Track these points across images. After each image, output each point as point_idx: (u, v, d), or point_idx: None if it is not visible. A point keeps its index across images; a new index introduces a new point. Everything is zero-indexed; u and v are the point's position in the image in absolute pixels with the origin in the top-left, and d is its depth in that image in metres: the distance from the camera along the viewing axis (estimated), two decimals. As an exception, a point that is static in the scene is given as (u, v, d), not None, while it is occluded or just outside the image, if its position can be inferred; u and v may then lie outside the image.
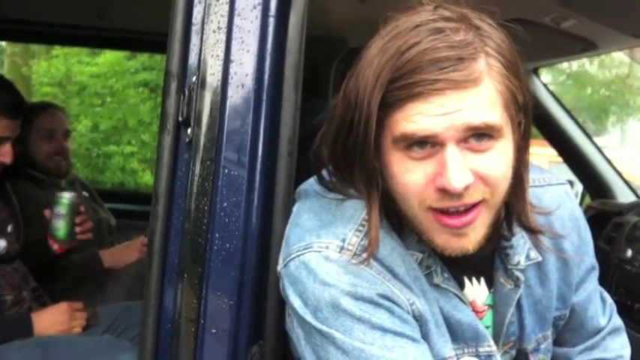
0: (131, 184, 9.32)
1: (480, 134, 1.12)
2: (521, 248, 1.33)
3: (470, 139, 1.12)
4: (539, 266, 1.37)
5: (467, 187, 1.13)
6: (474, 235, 1.18)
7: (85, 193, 3.29)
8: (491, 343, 1.32)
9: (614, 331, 1.56)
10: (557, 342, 1.50)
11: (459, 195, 1.13)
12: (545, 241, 1.35)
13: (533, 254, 1.36)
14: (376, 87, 1.11)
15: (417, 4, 1.17)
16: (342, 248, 1.22)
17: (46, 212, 2.50)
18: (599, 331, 1.53)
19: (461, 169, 1.12)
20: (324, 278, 1.19)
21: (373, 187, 1.20)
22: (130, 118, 9.80)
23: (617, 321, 1.58)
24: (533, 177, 1.37)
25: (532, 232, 1.28)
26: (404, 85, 1.10)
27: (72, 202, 2.45)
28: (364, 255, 1.21)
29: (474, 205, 1.16)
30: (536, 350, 1.42)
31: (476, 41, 1.12)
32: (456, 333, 1.29)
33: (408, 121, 1.12)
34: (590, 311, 1.50)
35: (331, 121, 1.21)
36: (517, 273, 1.33)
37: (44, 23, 3.66)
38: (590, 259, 1.47)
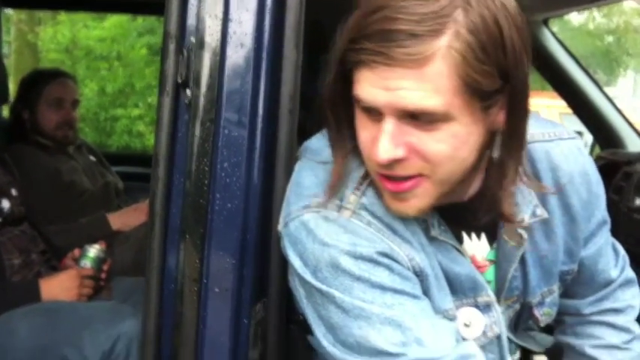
0: (138, 146, 9.33)
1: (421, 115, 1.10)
2: (526, 206, 1.32)
3: (413, 115, 1.10)
4: (546, 222, 1.36)
5: (398, 161, 1.12)
6: (415, 201, 1.18)
7: (92, 158, 3.30)
8: (490, 293, 1.33)
9: (626, 282, 1.56)
10: (567, 294, 1.50)
11: (389, 165, 1.13)
12: (551, 196, 1.35)
13: (539, 211, 1.34)
14: (342, 44, 1.11)
15: None
16: (340, 207, 1.22)
17: (76, 251, 2.49)
18: (610, 282, 1.53)
19: (390, 142, 1.11)
20: (323, 238, 1.19)
21: (341, 139, 1.23)
22: (137, 80, 9.79)
23: (630, 273, 1.57)
24: (543, 131, 1.38)
25: (506, 220, 1.28)
26: (357, 48, 1.09)
27: (98, 256, 2.43)
28: (362, 213, 1.21)
29: (412, 177, 1.15)
30: (540, 304, 1.42)
31: (452, 14, 1.05)
32: (455, 285, 1.29)
33: (358, 85, 1.12)
34: (600, 264, 1.49)
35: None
36: (520, 231, 1.32)
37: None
38: (601, 212, 1.45)
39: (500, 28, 1.08)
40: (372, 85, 1.10)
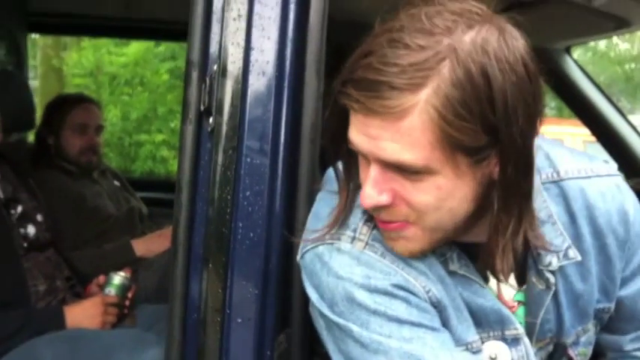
0: (162, 172, 9.39)
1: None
2: (555, 248, 1.27)
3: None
4: (581, 262, 1.31)
5: (384, 206, 1.11)
6: (404, 242, 1.16)
7: (116, 183, 3.32)
8: (518, 326, 1.29)
9: None
10: (608, 329, 1.44)
11: (376, 209, 1.12)
12: (586, 236, 1.30)
13: (572, 253, 1.28)
14: (337, 84, 1.10)
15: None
16: (353, 239, 1.20)
17: (101, 278, 2.50)
18: None
19: (374, 188, 1.10)
20: (337, 271, 1.18)
21: (346, 175, 1.22)
22: (160, 106, 9.87)
23: None
24: (579, 167, 1.32)
25: (497, 279, 1.26)
26: (345, 92, 1.07)
27: (123, 284, 2.43)
28: (376, 245, 1.20)
29: (397, 222, 1.14)
30: (575, 344, 1.37)
31: (436, 67, 1.01)
32: (480, 318, 1.26)
33: (350, 128, 1.11)
34: None
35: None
36: (548, 274, 1.28)
37: (73, 15, 3.69)
38: None
39: (490, 82, 1.01)
40: (357, 131, 1.09)
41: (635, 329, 1.46)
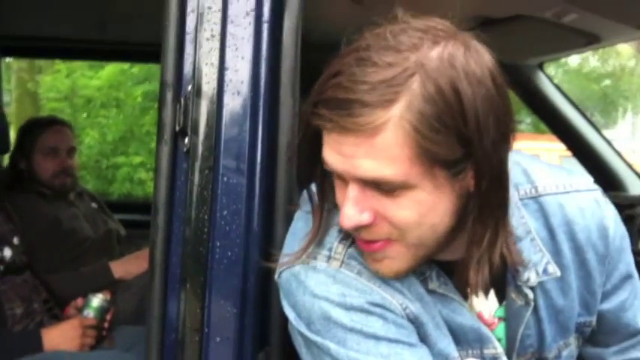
0: (139, 194, 9.34)
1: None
2: (533, 264, 1.28)
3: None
4: (561, 277, 1.31)
5: (365, 226, 1.11)
6: (388, 262, 1.16)
7: (93, 205, 3.30)
8: (497, 345, 1.29)
9: None
10: (591, 342, 1.45)
11: (358, 229, 1.12)
12: (566, 251, 1.30)
13: (551, 269, 1.29)
14: (307, 105, 1.10)
15: (384, 19, 1.10)
16: (329, 257, 1.21)
17: (79, 301, 2.48)
18: (636, 334, 1.46)
19: (354, 208, 1.09)
20: (313, 290, 1.18)
21: (320, 196, 1.22)
22: (136, 128, 9.84)
23: None
24: (557, 182, 1.33)
25: (470, 289, 1.24)
26: (316, 113, 1.07)
27: (102, 306, 2.42)
28: (352, 263, 1.20)
29: (380, 241, 1.14)
30: (557, 357, 1.37)
31: (405, 83, 1.02)
32: (459, 336, 1.26)
33: (324, 148, 1.10)
34: (624, 319, 1.43)
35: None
36: (526, 290, 1.28)
37: (47, 38, 3.67)
38: (625, 266, 1.38)
39: (460, 96, 1.02)
40: (332, 150, 1.08)
41: (617, 342, 1.46)
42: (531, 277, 1.27)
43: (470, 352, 1.27)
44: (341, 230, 1.21)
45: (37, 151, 2.96)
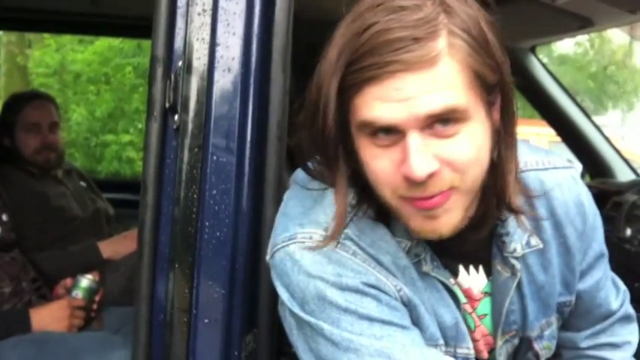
0: (128, 173, 9.31)
1: (444, 119, 1.08)
2: (518, 236, 1.30)
3: (435, 124, 1.08)
4: (542, 252, 1.33)
5: (432, 175, 1.09)
6: (447, 218, 1.14)
7: (82, 183, 3.27)
8: (470, 346, 1.30)
9: (625, 318, 1.53)
10: (563, 326, 1.47)
11: (423, 183, 1.09)
12: (546, 227, 1.32)
13: (534, 241, 1.32)
14: (335, 70, 1.08)
15: None
16: (325, 237, 1.19)
17: (68, 281, 2.46)
18: (608, 316, 1.50)
19: (423, 156, 1.08)
20: (308, 270, 1.17)
21: (338, 175, 1.17)
22: (125, 104, 9.79)
23: (629, 309, 1.54)
24: (537, 159, 1.36)
25: (514, 212, 1.24)
26: (359, 68, 1.06)
27: (90, 287, 2.40)
28: (347, 243, 1.19)
29: (442, 191, 1.12)
30: (540, 337, 1.39)
31: (438, 18, 1.06)
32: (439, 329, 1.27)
33: (367, 108, 1.08)
34: (598, 299, 1.46)
35: (306, 106, 1.17)
36: (513, 261, 1.30)
37: (38, 10, 3.62)
38: (599, 245, 1.42)
39: (481, 28, 1.10)
40: (384, 101, 1.06)
41: (590, 325, 1.50)
42: (517, 247, 1.30)
43: (443, 349, 1.27)
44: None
45: (19, 127, 2.90)
